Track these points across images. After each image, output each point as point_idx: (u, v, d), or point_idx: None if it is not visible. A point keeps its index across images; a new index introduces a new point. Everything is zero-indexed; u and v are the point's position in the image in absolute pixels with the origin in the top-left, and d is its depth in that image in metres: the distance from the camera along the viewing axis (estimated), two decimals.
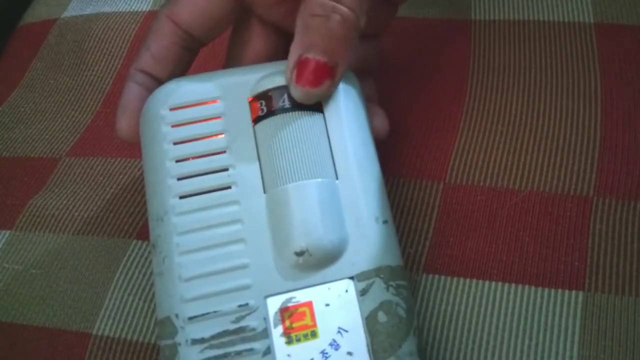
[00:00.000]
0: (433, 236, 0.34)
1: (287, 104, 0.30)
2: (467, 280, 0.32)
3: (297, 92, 0.29)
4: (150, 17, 0.47)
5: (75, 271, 0.36)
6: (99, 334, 0.33)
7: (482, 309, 0.32)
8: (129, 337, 0.33)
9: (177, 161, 0.30)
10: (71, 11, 0.49)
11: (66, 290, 0.35)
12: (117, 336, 0.33)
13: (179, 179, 0.29)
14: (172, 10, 0.33)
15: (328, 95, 0.30)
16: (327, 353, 0.27)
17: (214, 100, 0.31)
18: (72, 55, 0.47)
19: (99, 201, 0.39)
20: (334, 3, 0.28)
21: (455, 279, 0.33)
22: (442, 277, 0.33)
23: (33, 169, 0.41)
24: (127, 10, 0.48)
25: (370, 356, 0.27)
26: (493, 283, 0.32)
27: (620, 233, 0.33)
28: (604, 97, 0.38)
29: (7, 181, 0.41)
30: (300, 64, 0.29)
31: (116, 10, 0.48)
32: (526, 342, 0.31)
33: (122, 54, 0.46)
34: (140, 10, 0.48)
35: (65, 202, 0.39)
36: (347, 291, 0.28)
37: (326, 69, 0.29)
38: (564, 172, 0.35)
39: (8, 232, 0.38)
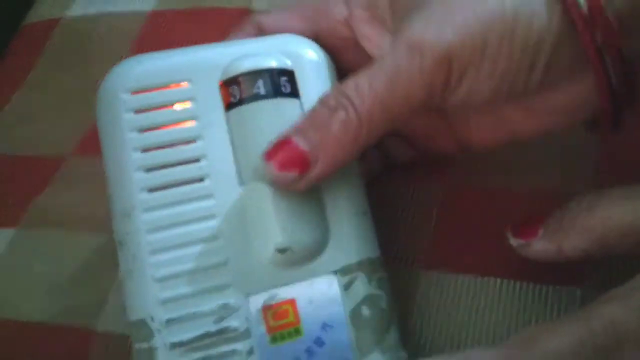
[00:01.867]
0: (432, 233, 0.34)
1: (262, 91, 0.28)
2: (466, 277, 0.32)
3: (264, 168, 0.27)
4: (153, 17, 0.47)
5: (80, 268, 0.36)
6: (103, 330, 0.33)
7: (482, 305, 0.32)
8: None
9: (143, 151, 0.27)
10: (75, 11, 0.49)
11: (71, 287, 0.35)
12: (120, 333, 0.33)
13: (146, 171, 0.27)
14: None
15: (293, 189, 0.27)
16: (312, 350, 0.27)
17: (181, 83, 0.28)
18: (76, 54, 0.47)
19: (103, 199, 0.39)
20: (347, 102, 0.27)
21: (453, 275, 0.33)
22: (441, 274, 0.33)
23: (37, 167, 0.41)
24: (131, 10, 0.48)
25: (355, 351, 0.27)
26: (492, 279, 0.32)
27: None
28: None
29: (12, 180, 0.41)
30: (282, 141, 0.27)
31: (120, 9, 0.48)
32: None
33: (125, 53, 0.45)
34: (143, 10, 0.48)
35: (69, 200, 0.39)
36: (330, 286, 0.27)
37: (300, 159, 0.27)
38: (563, 169, 0.35)
39: (13, 230, 0.38)
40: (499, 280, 0.32)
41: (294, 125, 0.27)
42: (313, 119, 0.27)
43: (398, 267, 0.33)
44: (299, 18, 0.33)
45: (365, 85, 0.27)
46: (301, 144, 0.27)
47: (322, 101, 0.27)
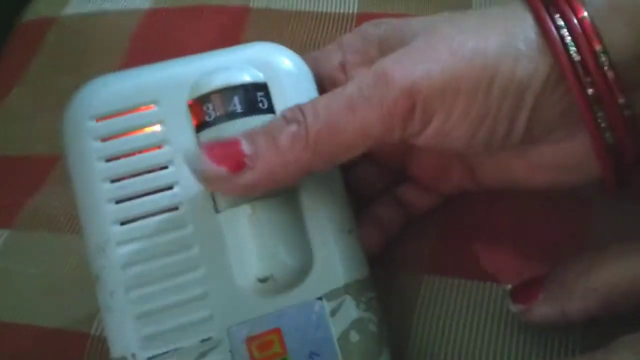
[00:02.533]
0: (435, 238, 0.34)
1: (238, 108, 0.27)
2: (468, 281, 0.32)
3: (197, 156, 0.26)
4: (151, 15, 0.47)
5: (74, 270, 0.36)
6: (97, 334, 0.33)
7: (485, 311, 0.31)
8: None
9: (112, 181, 0.26)
10: (71, 9, 0.49)
11: (65, 289, 0.35)
12: None
13: (117, 202, 0.26)
14: None
15: (216, 189, 0.26)
16: None
17: (148, 105, 0.27)
18: (72, 53, 0.46)
19: None
20: (301, 118, 0.26)
21: (456, 279, 0.32)
22: (443, 278, 0.33)
23: (31, 167, 0.41)
24: (127, 8, 0.47)
25: None
26: (494, 284, 0.32)
27: (622, 234, 0.32)
28: None
29: (5, 180, 0.41)
30: (230, 140, 0.26)
31: (116, 8, 0.48)
32: (527, 342, 0.30)
33: (121, 52, 0.45)
34: (140, 8, 0.47)
35: (63, 201, 0.39)
36: (316, 313, 0.27)
37: (235, 158, 0.25)
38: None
39: (7, 231, 0.38)
40: (502, 286, 0.32)
41: (252, 128, 0.26)
42: (267, 128, 0.26)
43: (401, 271, 0.33)
44: None
45: (322, 105, 0.26)
46: (245, 146, 0.26)
47: (283, 112, 0.27)
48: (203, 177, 0.26)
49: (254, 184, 0.26)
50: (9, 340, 0.34)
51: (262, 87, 0.28)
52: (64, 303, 0.35)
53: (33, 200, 0.39)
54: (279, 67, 0.29)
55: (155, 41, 0.45)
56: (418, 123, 0.26)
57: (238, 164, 0.25)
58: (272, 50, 0.29)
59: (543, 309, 0.28)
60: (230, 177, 0.25)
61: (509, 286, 0.30)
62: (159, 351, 0.25)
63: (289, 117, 0.26)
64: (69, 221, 0.38)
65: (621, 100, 0.25)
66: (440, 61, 0.25)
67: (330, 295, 0.27)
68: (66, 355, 0.33)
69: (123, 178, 0.26)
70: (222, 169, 0.25)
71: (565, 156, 0.27)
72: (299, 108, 0.26)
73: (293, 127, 0.26)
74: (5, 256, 0.37)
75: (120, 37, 0.46)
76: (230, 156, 0.25)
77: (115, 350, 0.26)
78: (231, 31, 0.45)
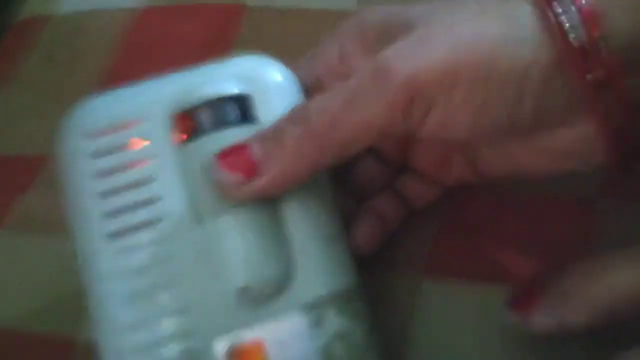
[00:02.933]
0: (434, 238, 0.34)
1: (223, 120, 0.28)
2: (469, 282, 0.32)
3: (213, 164, 0.27)
4: (145, 13, 0.47)
5: (62, 272, 0.35)
6: (83, 337, 0.33)
7: (485, 312, 0.31)
8: None
9: (101, 196, 0.27)
10: (65, 8, 0.48)
11: (52, 292, 0.35)
12: None
13: (105, 217, 0.27)
14: None
15: (228, 192, 0.27)
16: None
17: (135, 122, 0.28)
18: (66, 52, 0.46)
19: None
20: (306, 118, 0.26)
21: (456, 280, 0.32)
22: (443, 279, 0.33)
23: (21, 167, 0.41)
24: (122, 7, 0.47)
25: None
26: (495, 285, 0.32)
27: (624, 235, 0.32)
28: None
29: None
30: (241, 144, 0.27)
31: (110, 7, 0.47)
32: (528, 344, 0.30)
33: (116, 50, 0.45)
34: (134, 7, 0.47)
35: (52, 201, 0.38)
36: (298, 324, 0.26)
37: (249, 162, 0.26)
38: (569, 176, 0.34)
39: None
40: (502, 287, 0.31)
41: (258, 131, 0.27)
42: (274, 130, 0.27)
43: (400, 273, 0.33)
44: (294, 67, 0.32)
45: (325, 103, 0.27)
46: (255, 150, 0.27)
47: (288, 113, 0.27)
48: (221, 186, 0.27)
49: (270, 186, 0.27)
50: None
51: (247, 99, 0.28)
52: (51, 306, 0.34)
53: (21, 201, 0.39)
54: (264, 78, 0.29)
55: (150, 39, 0.45)
56: (418, 114, 0.26)
57: (251, 169, 0.26)
58: (258, 62, 0.30)
59: (542, 319, 0.28)
60: (247, 183, 0.26)
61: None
62: None
63: (291, 118, 0.27)
64: (56, 222, 0.37)
65: (623, 84, 0.25)
66: (438, 52, 0.26)
67: (312, 306, 0.27)
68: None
69: (111, 193, 0.27)
70: (238, 175, 0.26)
71: (569, 142, 0.27)
72: (302, 107, 0.27)
73: (297, 129, 0.26)
74: None
75: (115, 36, 0.46)
76: (242, 162, 0.26)
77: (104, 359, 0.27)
78: (226, 29, 0.45)
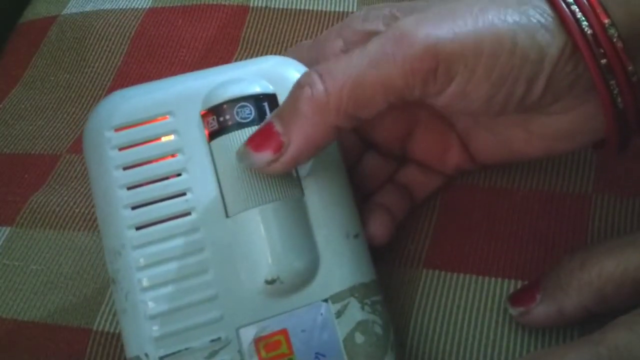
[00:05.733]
0: (433, 233, 0.34)
1: (244, 118, 0.28)
2: (467, 276, 0.33)
3: (244, 152, 0.27)
4: (151, 14, 0.47)
5: (76, 267, 0.36)
6: (100, 329, 0.33)
7: (482, 304, 0.32)
8: None
9: (128, 188, 0.27)
10: (72, 8, 0.49)
11: (67, 286, 0.35)
12: (117, 332, 0.33)
13: (133, 208, 0.27)
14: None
15: (264, 170, 0.27)
16: None
17: (163, 116, 0.28)
18: (73, 52, 0.46)
19: None
20: (316, 79, 0.26)
21: (454, 274, 0.33)
22: (442, 273, 0.33)
23: (33, 165, 0.41)
24: (128, 7, 0.48)
25: None
26: (492, 279, 0.32)
27: (619, 230, 0.33)
28: None
29: (8, 178, 0.41)
30: (264, 125, 0.27)
31: (116, 7, 0.48)
32: (525, 336, 0.30)
33: (122, 50, 0.46)
34: (140, 7, 0.47)
35: (65, 198, 0.39)
36: (322, 314, 0.27)
37: (273, 138, 0.27)
38: (562, 169, 0.35)
39: (8, 228, 0.38)
40: (499, 280, 0.32)
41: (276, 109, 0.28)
42: (287, 100, 0.27)
43: (399, 266, 0.33)
44: (293, 53, 0.33)
45: (341, 63, 0.27)
46: (276, 125, 0.27)
47: (297, 80, 0.27)
48: (256, 168, 0.27)
49: (298, 155, 0.27)
50: (9, 337, 0.34)
51: (272, 98, 0.29)
52: (66, 299, 0.35)
53: (35, 198, 0.39)
54: (287, 78, 0.29)
55: (156, 40, 0.46)
56: (440, 83, 0.27)
57: (277, 144, 0.26)
58: (282, 63, 0.30)
59: (541, 309, 0.29)
60: (277, 158, 0.27)
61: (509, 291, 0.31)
62: (171, 351, 0.26)
63: (302, 82, 0.27)
64: (70, 219, 0.38)
65: (630, 68, 0.26)
66: (463, 24, 0.26)
67: (335, 298, 0.27)
68: (69, 352, 0.33)
69: (139, 185, 0.28)
70: (267, 153, 0.27)
71: (565, 124, 0.28)
72: (315, 70, 0.27)
73: (307, 91, 0.26)
74: (7, 253, 0.37)
75: (121, 36, 0.46)
76: (268, 139, 0.27)
77: (130, 349, 0.27)
78: (230, 30, 0.45)
